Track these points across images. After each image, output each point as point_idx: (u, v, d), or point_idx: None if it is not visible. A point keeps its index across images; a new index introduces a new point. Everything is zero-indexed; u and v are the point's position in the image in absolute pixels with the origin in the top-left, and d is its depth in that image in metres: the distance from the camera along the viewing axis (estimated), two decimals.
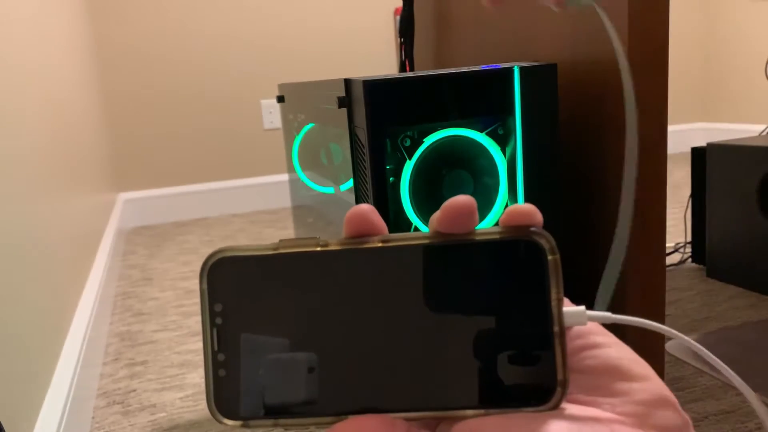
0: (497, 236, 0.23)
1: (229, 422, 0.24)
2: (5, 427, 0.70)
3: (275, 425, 0.24)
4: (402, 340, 0.23)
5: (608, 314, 0.24)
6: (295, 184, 1.10)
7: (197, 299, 1.65)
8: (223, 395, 0.24)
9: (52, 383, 0.94)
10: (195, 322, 1.49)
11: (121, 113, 2.55)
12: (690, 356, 1.10)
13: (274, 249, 0.24)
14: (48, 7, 1.49)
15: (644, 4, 0.69)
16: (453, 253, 0.23)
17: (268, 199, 2.73)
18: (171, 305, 1.62)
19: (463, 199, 0.23)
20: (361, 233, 0.24)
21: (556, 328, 0.23)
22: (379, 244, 0.23)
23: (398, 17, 1.00)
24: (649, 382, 0.23)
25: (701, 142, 2.71)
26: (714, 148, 1.46)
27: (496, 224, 0.24)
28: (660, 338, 0.77)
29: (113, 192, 2.41)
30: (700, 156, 1.54)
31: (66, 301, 1.18)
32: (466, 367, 0.23)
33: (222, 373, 0.24)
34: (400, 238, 0.23)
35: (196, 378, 1.20)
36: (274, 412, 0.23)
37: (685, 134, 3.25)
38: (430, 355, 0.23)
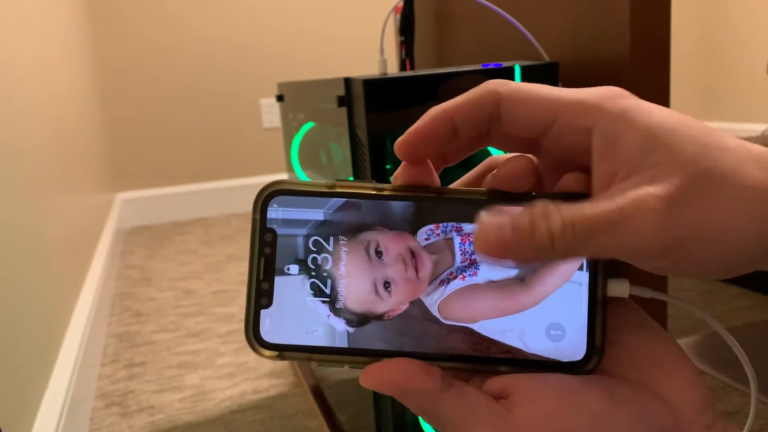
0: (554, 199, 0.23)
1: (266, 352, 0.24)
2: (3, 428, 0.70)
3: (310, 360, 0.24)
4: (447, 295, 0.23)
5: (648, 289, 0.24)
6: None
7: (196, 300, 1.64)
8: (262, 325, 0.24)
9: (49, 384, 0.94)
10: (194, 323, 1.49)
11: (120, 113, 2.54)
12: (692, 357, 1.09)
13: (330, 187, 0.24)
14: (46, 6, 1.48)
15: (646, 3, 0.68)
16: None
17: None
18: (170, 306, 1.61)
19: (523, 161, 0.23)
20: (417, 182, 0.24)
21: (599, 296, 0.23)
22: (434, 195, 0.24)
23: (399, 16, 1.00)
24: (681, 370, 0.23)
25: None
26: None
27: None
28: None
29: (111, 192, 2.40)
30: None
31: (64, 301, 1.17)
32: (504, 328, 0.23)
33: (264, 302, 0.24)
34: (456, 192, 0.24)
35: (195, 379, 1.20)
36: (311, 347, 0.24)
37: None
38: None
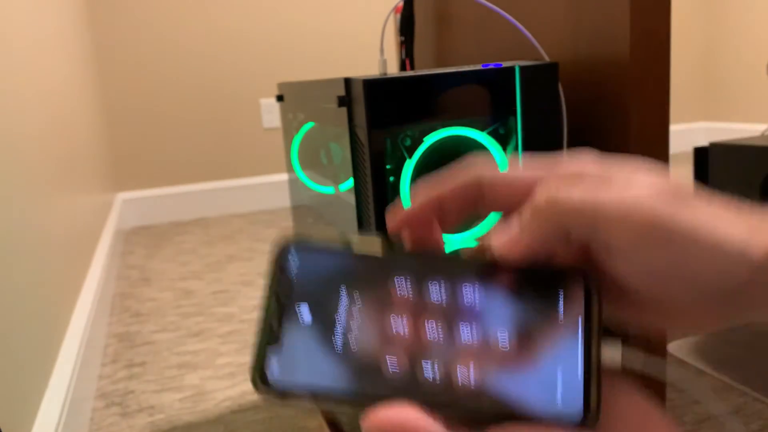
0: (550, 267, 0.25)
1: (271, 394, 0.25)
2: (3, 428, 0.70)
3: (314, 403, 0.25)
4: (450, 348, 0.25)
5: (640, 355, 0.26)
6: (294, 184, 1.10)
7: (196, 300, 1.64)
8: (269, 368, 0.25)
9: (50, 384, 0.94)
10: (194, 323, 1.49)
11: (120, 113, 2.54)
12: (692, 357, 1.10)
13: (346, 244, 0.26)
14: (46, 7, 1.48)
15: (646, 3, 0.68)
16: (505, 277, 0.26)
17: (267, 199, 2.72)
18: (170, 306, 1.61)
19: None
20: (424, 238, 0.27)
21: (594, 361, 0.24)
22: (444, 258, 0.26)
23: (399, 16, 1.00)
24: None
25: (703, 142, 2.70)
26: (716, 147, 1.46)
27: None
28: (663, 341, 0.77)
29: (111, 192, 2.40)
30: (702, 156, 1.53)
31: (64, 301, 1.17)
32: (504, 383, 0.24)
33: (273, 344, 0.25)
34: (468, 257, 0.26)
35: (195, 379, 1.20)
36: (316, 392, 0.24)
37: (687, 134, 3.25)
38: (472, 366, 0.25)
